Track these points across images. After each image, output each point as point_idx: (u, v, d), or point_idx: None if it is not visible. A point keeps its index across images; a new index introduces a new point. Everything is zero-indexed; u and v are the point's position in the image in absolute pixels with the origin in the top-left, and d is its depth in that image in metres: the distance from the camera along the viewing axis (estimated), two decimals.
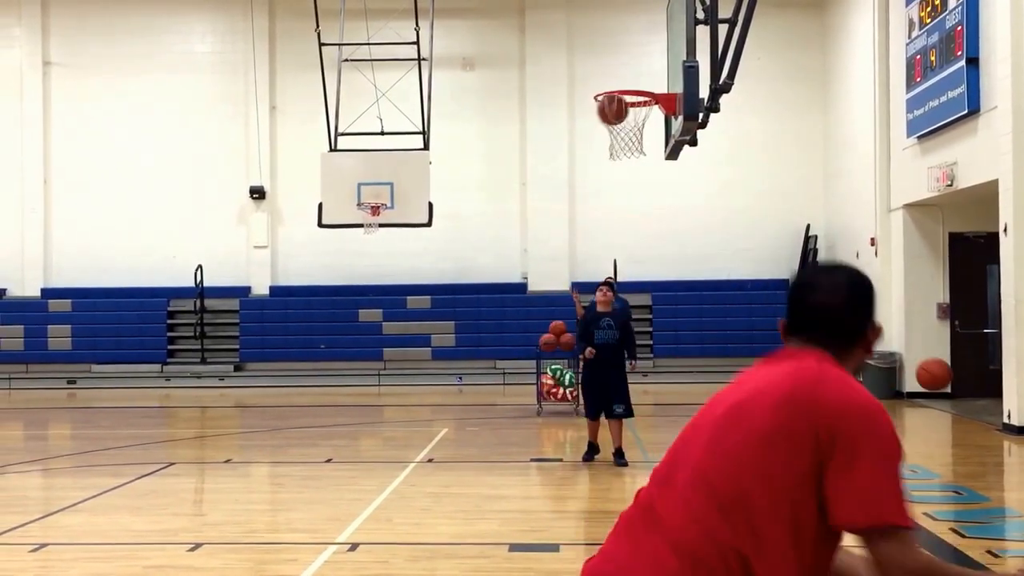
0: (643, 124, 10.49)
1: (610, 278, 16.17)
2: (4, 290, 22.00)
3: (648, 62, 19.48)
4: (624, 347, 10.53)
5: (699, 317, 20.52)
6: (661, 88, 10.18)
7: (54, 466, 11.24)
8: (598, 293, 10.66)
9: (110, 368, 21.07)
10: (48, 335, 21.24)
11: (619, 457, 10.28)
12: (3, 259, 21.86)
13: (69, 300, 21.44)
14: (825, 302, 2.46)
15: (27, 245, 21.90)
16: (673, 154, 10.39)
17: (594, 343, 10.30)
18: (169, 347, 21.55)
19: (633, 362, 10.66)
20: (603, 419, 10.48)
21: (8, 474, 10.56)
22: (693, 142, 9.77)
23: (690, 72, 8.68)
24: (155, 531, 7.60)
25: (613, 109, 9.53)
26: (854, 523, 2.23)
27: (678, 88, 9.13)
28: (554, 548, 7.00)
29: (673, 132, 9.98)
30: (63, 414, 17.19)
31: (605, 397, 10.28)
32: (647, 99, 10.06)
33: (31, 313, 21.47)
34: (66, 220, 21.91)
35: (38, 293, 21.86)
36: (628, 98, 10.24)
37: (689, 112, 8.80)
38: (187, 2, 22.00)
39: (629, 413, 10.33)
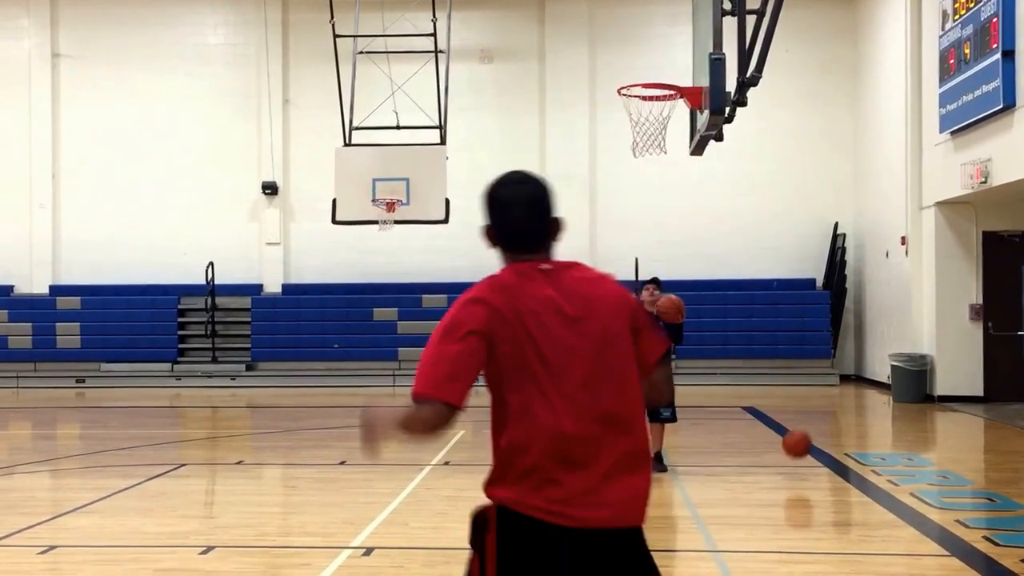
0: (667, 119, 10.12)
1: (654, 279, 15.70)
2: (12, 287, 21.71)
3: (671, 55, 19.03)
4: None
5: (723, 318, 20.04)
6: (685, 82, 9.99)
7: (63, 467, 11.13)
8: (645, 293, 10.29)
9: (119, 367, 20.76)
10: (57, 333, 20.95)
11: (659, 462, 9.97)
12: (11, 256, 21.60)
13: (78, 298, 21.14)
14: (550, 214, 3.02)
15: (35, 241, 21.63)
16: (698, 149, 10.08)
17: None
18: (180, 346, 21.22)
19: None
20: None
21: (17, 474, 10.45)
22: (719, 137, 9.50)
23: (717, 65, 8.38)
24: (166, 533, 7.50)
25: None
26: (656, 357, 3.09)
27: (704, 81, 8.88)
28: None
29: (698, 127, 9.69)
30: (72, 413, 17.00)
31: None
32: (672, 93, 9.71)
33: (39, 311, 21.16)
34: (75, 216, 21.63)
35: (46, 290, 21.57)
36: (651, 91, 9.87)
37: (715, 106, 8.49)
38: None
39: (674, 418, 10.05)
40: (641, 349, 3.04)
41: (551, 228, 3.01)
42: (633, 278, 19.49)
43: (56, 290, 21.49)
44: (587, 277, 3.01)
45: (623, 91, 9.92)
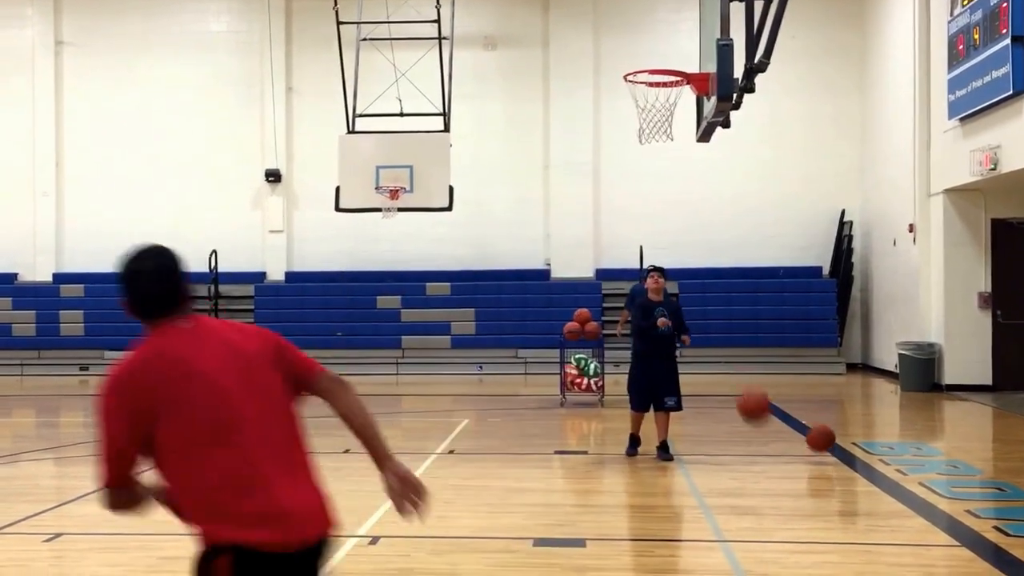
0: (673, 106, 10.04)
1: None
2: (16, 275, 21.66)
3: (677, 41, 18.92)
4: (677, 334, 10.22)
5: (728, 306, 19.93)
6: (690, 68, 9.99)
7: (66, 454, 11.11)
8: (649, 280, 10.24)
9: (122, 354, 20.62)
10: (60, 321, 20.90)
11: (664, 451, 9.96)
12: (15, 243, 21.55)
13: (81, 285, 21.06)
14: (180, 278, 3.26)
15: (39, 229, 21.57)
16: (705, 136, 10.06)
17: (653, 335, 9.94)
18: None
19: (687, 337, 10.29)
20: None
21: (21, 462, 10.46)
22: (726, 124, 9.49)
23: (724, 51, 8.38)
24: (170, 521, 7.26)
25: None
26: (312, 372, 3.30)
27: (711, 68, 8.91)
28: (580, 543, 6.84)
29: (705, 113, 9.66)
30: (75, 401, 16.94)
31: (655, 389, 9.95)
32: (678, 79, 9.64)
33: (43, 298, 21.11)
34: (78, 203, 21.56)
35: (50, 278, 21.51)
36: (657, 77, 9.79)
37: (723, 92, 8.48)
38: None
39: (679, 406, 10.05)
40: (297, 372, 3.24)
41: (182, 292, 3.24)
42: (637, 266, 19.41)
43: (59, 278, 21.43)
44: (226, 326, 3.26)
45: (629, 77, 9.85)
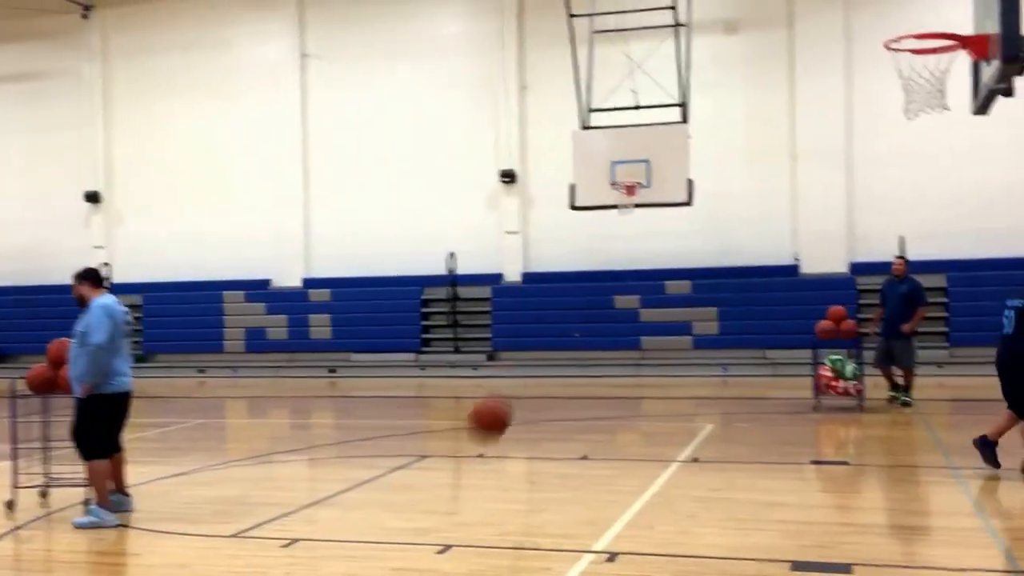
0: (945, 73, 8.94)
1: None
2: (268, 281, 22.60)
3: (940, 11, 17.21)
4: None
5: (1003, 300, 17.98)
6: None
7: (314, 456, 11.24)
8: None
9: (368, 357, 21.19)
10: (310, 324, 21.63)
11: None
12: (267, 250, 22.48)
13: (328, 290, 21.76)
14: None
15: (289, 236, 22.40)
16: (983, 109, 8.92)
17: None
18: (423, 335, 21.39)
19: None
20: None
21: (273, 463, 10.63)
22: (1008, 92, 8.33)
23: (1011, 3, 7.17)
24: (406, 530, 7.29)
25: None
26: None
27: (992, 27, 7.70)
28: (845, 569, 6.02)
29: (985, 81, 8.46)
30: (324, 403, 17.41)
31: None
32: (951, 43, 8.55)
33: (294, 303, 21.93)
34: (324, 210, 22.27)
35: (300, 283, 22.31)
36: (925, 43, 8.72)
37: (1009, 53, 7.36)
38: None
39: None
40: None
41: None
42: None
43: (308, 283, 22.21)
44: None
45: (892, 45, 8.82)
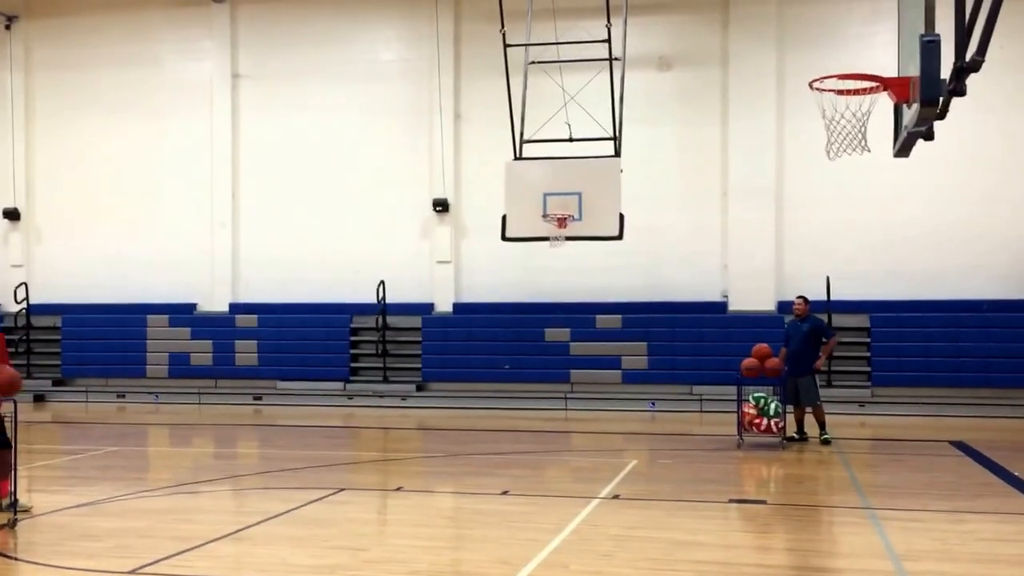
0: (867, 115, 9.00)
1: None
2: (194, 305, 22.14)
3: (869, 55, 17.53)
4: None
5: (925, 342, 18.33)
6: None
7: (231, 487, 10.99)
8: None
9: (295, 385, 20.81)
10: (236, 350, 21.21)
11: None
12: (194, 274, 22.04)
13: (255, 316, 21.36)
14: None
15: (216, 260, 21.98)
16: (904, 150, 8.98)
17: None
18: (352, 364, 21.08)
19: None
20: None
21: (186, 494, 10.35)
22: (929, 135, 8.43)
23: (929, 48, 7.40)
24: (311, 567, 7.11)
25: None
26: None
27: (913, 70, 7.84)
28: None
29: (905, 123, 8.56)
30: (248, 431, 17.04)
31: None
32: (873, 85, 8.61)
33: (220, 328, 21.49)
34: (252, 234, 21.89)
35: (226, 308, 21.88)
36: (849, 84, 8.79)
37: (928, 96, 7.44)
38: (373, 10, 21.54)
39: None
40: None
41: None
42: (824, 298, 18.09)
43: (235, 308, 21.79)
44: None
45: (816, 84, 8.87)
